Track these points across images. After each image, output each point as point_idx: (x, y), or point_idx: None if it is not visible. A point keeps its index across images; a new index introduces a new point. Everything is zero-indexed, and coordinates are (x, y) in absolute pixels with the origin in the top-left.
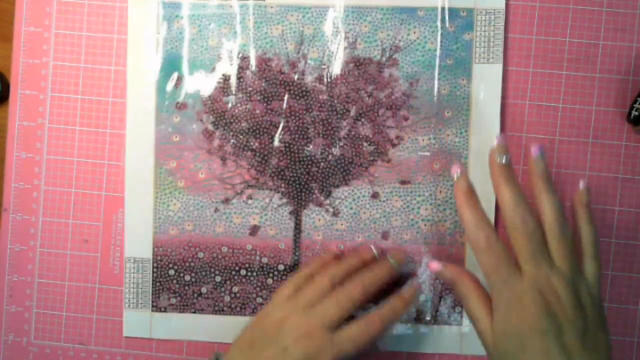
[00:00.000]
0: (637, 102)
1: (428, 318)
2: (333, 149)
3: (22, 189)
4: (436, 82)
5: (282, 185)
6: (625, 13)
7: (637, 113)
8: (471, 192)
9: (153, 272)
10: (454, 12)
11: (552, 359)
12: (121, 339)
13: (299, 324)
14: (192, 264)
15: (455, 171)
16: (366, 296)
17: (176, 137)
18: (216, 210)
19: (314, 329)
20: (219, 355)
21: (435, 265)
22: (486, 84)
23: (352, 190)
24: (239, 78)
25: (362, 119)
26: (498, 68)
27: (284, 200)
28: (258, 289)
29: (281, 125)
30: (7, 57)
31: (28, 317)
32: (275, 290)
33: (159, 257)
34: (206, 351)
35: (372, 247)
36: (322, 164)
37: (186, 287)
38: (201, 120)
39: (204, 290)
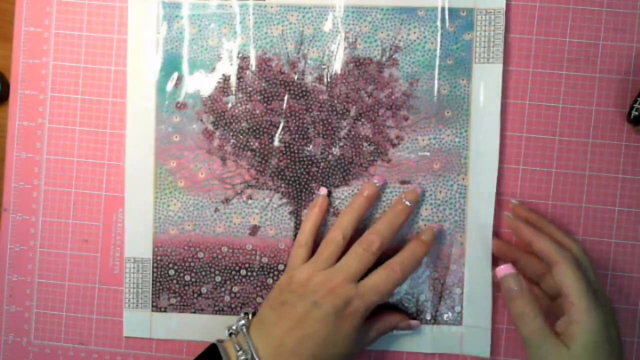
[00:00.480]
0: (637, 102)
1: (428, 318)
2: (333, 149)
3: (22, 189)
4: (436, 82)
5: (282, 185)
6: (625, 13)
7: (637, 113)
8: (527, 291)
9: (153, 272)
10: (454, 12)
11: None
12: (121, 339)
13: (323, 282)
14: (192, 264)
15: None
16: (385, 245)
17: (176, 137)
18: (216, 210)
19: (338, 284)
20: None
21: (505, 270)
22: (486, 84)
23: (352, 191)
24: (239, 78)
25: (362, 119)
26: (498, 68)
27: (284, 200)
28: (258, 288)
29: (281, 125)
30: (7, 57)
31: (28, 317)
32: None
33: (159, 257)
34: None
35: (376, 179)
36: (322, 164)
37: (186, 287)
38: (201, 120)
39: (204, 290)
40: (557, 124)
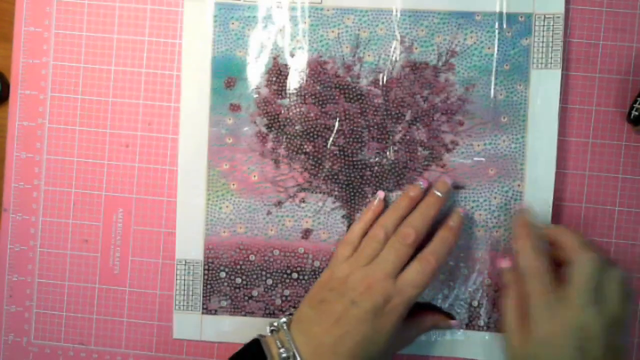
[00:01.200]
0: (637, 102)
1: (481, 324)
2: (387, 153)
3: (22, 189)
4: (492, 87)
5: (336, 188)
6: (625, 13)
7: (637, 113)
8: (528, 224)
9: (204, 274)
10: (511, 17)
11: None
12: (121, 339)
13: (362, 278)
14: (244, 267)
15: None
16: (420, 236)
17: (229, 139)
18: (268, 213)
19: (376, 280)
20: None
21: (505, 263)
22: (544, 90)
23: None
24: (293, 81)
25: (417, 124)
26: (556, 74)
27: (337, 204)
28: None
29: (335, 128)
30: (7, 57)
31: (28, 317)
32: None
33: (210, 260)
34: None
35: (421, 182)
36: (375, 168)
37: (237, 290)
38: (255, 122)
39: (255, 293)
40: (557, 124)
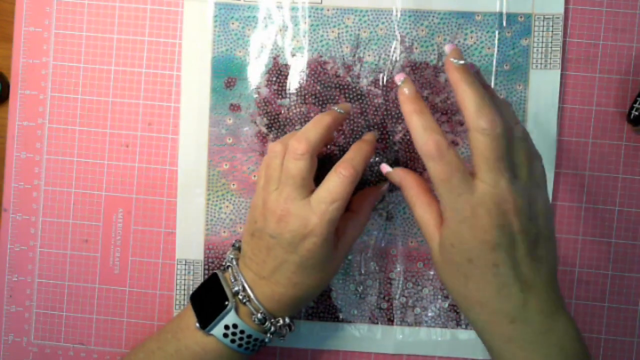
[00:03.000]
0: (637, 102)
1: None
2: (387, 152)
3: (22, 189)
4: (492, 87)
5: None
6: (625, 13)
7: (637, 113)
8: (418, 97)
9: (204, 274)
10: (511, 18)
11: (500, 273)
12: (121, 339)
13: (273, 208)
14: None
15: (399, 79)
16: (314, 147)
17: (229, 139)
18: None
19: (285, 208)
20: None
21: (385, 168)
22: (543, 90)
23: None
24: (293, 81)
25: None
26: (556, 74)
27: None
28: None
29: None
30: (7, 57)
31: (28, 317)
32: None
33: (210, 259)
34: None
35: (336, 107)
36: (376, 167)
37: None
38: (255, 122)
39: None
40: (557, 124)
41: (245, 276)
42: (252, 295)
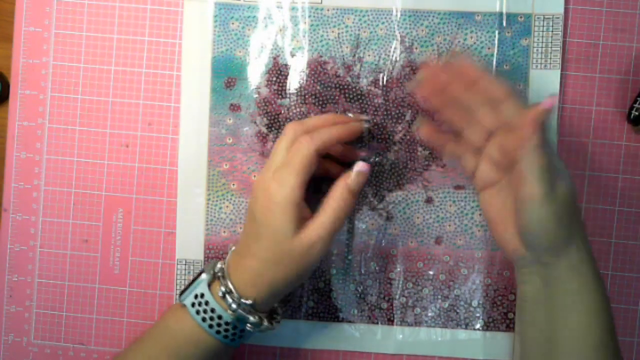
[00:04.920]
0: (637, 102)
1: (480, 324)
2: (387, 153)
3: (22, 189)
4: None
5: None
6: (625, 13)
7: (637, 113)
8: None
9: None
10: (511, 18)
11: None
12: (121, 339)
13: (258, 183)
14: None
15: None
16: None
17: (229, 139)
18: None
19: (266, 183)
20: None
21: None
22: (544, 90)
23: (406, 195)
24: (293, 80)
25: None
26: (556, 74)
27: None
28: (309, 292)
29: None
30: (7, 57)
31: (28, 317)
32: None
33: (210, 260)
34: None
35: (362, 117)
36: (376, 167)
37: None
38: (255, 122)
39: None
40: (557, 124)
41: (229, 254)
42: (225, 270)
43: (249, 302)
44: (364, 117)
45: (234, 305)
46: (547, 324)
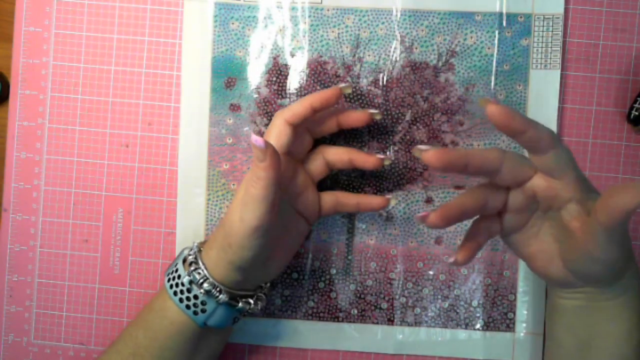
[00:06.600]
0: (637, 102)
1: (481, 324)
2: (387, 153)
3: (22, 189)
4: (492, 87)
5: (336, 188)
6: (625, 13)
7: (637, 113)
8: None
9: None
10: (511, 18)
11: None
12: None
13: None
14: None
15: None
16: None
17: (229, 139)
18: None
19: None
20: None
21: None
22: (543, 90)
23: (406, 195)
24: (293, 81)
25: (417, 124)
26: (556, 74)
27: None
28: (309, 292)
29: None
30: (7, 57)
31: (28, 317)
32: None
33: None
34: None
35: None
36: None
37: None
38: (255, 122)
39: None
40: (557, 124)
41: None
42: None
43: (205, 272)
44: (343, 84)
45: (197, 276)
46: (585, 329)
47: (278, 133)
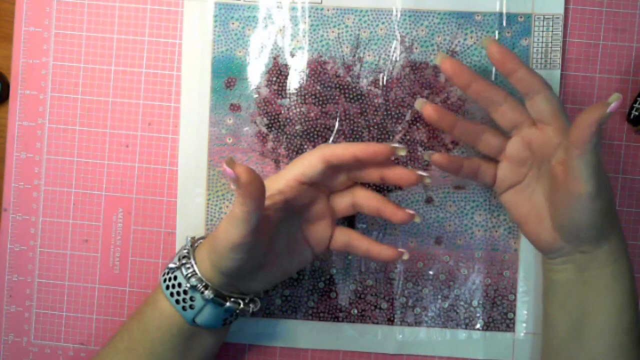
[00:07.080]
0: (637, 102)
1: (481, 324)
2: (399, 144)
3: (22, 189)
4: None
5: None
6: (625, 13)
7: (637, 113)
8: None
9: None
10: (511, 18)
11: None
12: None
13: None
14: None
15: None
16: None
17: (229, 139)
18: None
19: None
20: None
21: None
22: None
23: (406, 195)
24: (293, 81)
25: (417, 124)
26: (556, 74)
27: None
28: (309, 292)
29: (335, 128)
30: (7, 57)
31: (28, 317)
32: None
33: None
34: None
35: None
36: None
37: None
38: (255, 122)
39: None
40: None
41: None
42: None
43: (194, 267)
44: (398, 145)
45: (185, 271)
46: (578, 307)
47: (308, 165)
